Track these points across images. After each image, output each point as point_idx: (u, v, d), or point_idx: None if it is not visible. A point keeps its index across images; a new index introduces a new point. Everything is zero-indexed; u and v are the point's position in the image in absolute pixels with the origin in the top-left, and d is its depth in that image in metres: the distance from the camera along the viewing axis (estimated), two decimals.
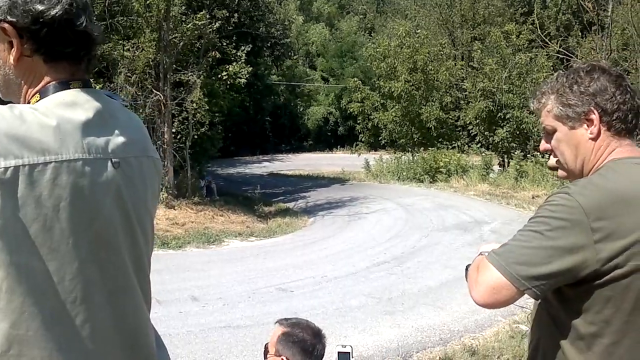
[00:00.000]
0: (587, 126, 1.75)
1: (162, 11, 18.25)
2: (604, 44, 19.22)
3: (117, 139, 1.44)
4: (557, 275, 1.57)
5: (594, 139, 1.75)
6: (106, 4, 16.95)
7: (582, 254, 1.55)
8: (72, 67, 1.44)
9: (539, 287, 1.59)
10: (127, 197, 1.43)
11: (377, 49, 29.32)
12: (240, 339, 7.17)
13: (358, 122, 31.98)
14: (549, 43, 22.13)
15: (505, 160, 26.31)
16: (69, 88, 1.41)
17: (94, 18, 1.46)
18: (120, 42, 17.83)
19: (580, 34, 25.70)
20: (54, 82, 1.40)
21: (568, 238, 1.56)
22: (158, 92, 18.48)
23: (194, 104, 19.28)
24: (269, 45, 32.83)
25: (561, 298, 1.66)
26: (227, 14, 24.23)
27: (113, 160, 1.41)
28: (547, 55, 23.65)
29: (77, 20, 1.38)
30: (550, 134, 1.83)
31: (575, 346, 1.63)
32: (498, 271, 1.61)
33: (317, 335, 2.51)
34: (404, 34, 28.79)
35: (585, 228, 1.54)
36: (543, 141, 1.88)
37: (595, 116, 1.73)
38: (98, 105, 1.43)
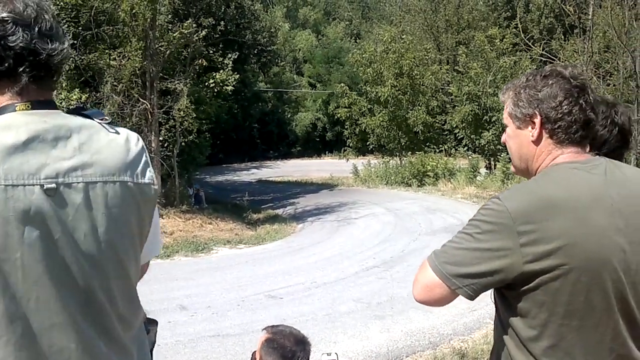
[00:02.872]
0: (531, 128, 1.78)
1: (148, 20, 18.23)
2: (585, 46, 19.38)
3: (62, 163, 1.34)
4: (485, 276, 1.62)
5: (536, 143, 1.77)
6: (92, 14, 16.92)
7: (508, 257, 1.58)
8: (15, 86, 1.37)
9: (469, 286, 1.64)
10: (63, 225, 1.32)
11: (363, 55, 29.45)
12: (229, 347, 7.17)
13: (346, 127, 32.09)
14: (532, 46, 22.26)
15: (492, 162, 26.46)
16: (15, 111, 1.35)
17: (56, 32, 1.39)
18: (107, 51, 17.78)
19: (562, 37, 25.89)
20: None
21: (495, 241, 1.60)
22: (145, 101, 18.45)
23: (181, 112, 19.27)
24: (255, 52, 32.85)
25: (504, 303, 1.70)
26: (214, 22, 24.23)
27: (45, 186, 1.30)
28: (530, 58, 23.83)
29: (12, 37, 1.31)
30: (504, 129, 1.90)
31: (520, 349, 1.66)
32: (432, 270, 1.68)
33: (300, 343, 2.53)
34: (390, 40, 28.96)
35: (512, 232, 1.58)
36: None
37: (537, 121, 1.75)
38: (41, 127, 1.34)
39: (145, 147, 1.54)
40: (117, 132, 1.48)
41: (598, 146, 2.18)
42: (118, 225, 1.41)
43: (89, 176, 1.37)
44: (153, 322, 1.80)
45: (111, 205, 1.40)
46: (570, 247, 1.56)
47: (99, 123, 1.46)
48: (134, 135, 1.52)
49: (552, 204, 1.60)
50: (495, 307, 1.78)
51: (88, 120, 1.45)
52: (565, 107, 1.71)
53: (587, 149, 1.78)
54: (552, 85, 1.74)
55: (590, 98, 1.73)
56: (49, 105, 1.41)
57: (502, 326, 1.73)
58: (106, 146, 1.43)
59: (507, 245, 1.58)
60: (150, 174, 1.50)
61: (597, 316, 1.60)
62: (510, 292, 1.65)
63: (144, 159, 1.50)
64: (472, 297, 1.67)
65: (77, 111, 1.46)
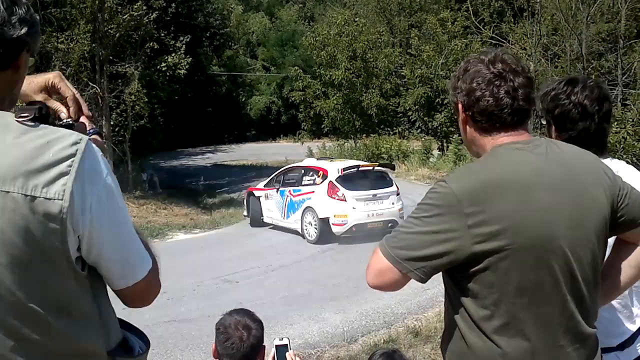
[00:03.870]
0: (460, 114, 1.81)
1: (97, 2, 17.88)
2: (534, 29, 19.76)
3: None
4: (434, 258, 1.63)
5: (467, 128, 1.81)
6: None
7: (457, 238, 1.59)
8: None
9: (420, 269, 1.65)
10: None
11: (317, 38, 29.42)
12: (185, 333, 7.18)
13: (300, 110, 32.08)
14: (483, 29, 22.63)
15: (445, 144, 26.85)
16: None
17: None
18: (54, 34, 17.36)
19: (512, 19, 26.31)
20: None
21: (443, 224, 1.61)
22: (94, 85, 18.11)
23: (132, 96, 19.00)
24: (208, 35, 32.55)
25: (455, 284, 1.71)
26: (164, 4, 23.83)
27: None
28: (481, 41, 24.18)
29: None
30: None
31: (472, 329, 1.67)
32: (383, 256, 1.70)
33: (245, 327, 2.56)
34: (343, 23, 28.99)
35: (459, 213, 1.59)
36: None
37: (460, 107, 1.79)
38: None
39: (89, 155, 1.32)
40: (39, 135, 1.29)
41: (565, 127, 2.22)
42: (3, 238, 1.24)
43: None
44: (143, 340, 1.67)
45: None
46: (517, 226, 1.58)
47: (18, 121, 1.29)
48: (66, 140, 1.30)
49: (497, 185, 1.62)
50: (445, 289, 1.80)
51: (4, 118, 1.31)
52: (478, 92, 1.71)
53: (525, 130, 1.76)
54: (470, 72, 1.75)
55: (516, 83, 1.70)
56: None
57: (452, 308, 1.74)
58: (3, 150, 1.26)
59: (455, 227, 1.59)
60: (61, 188, 1.26)
61: (546, 292, 1.63)
62: (460, 274, 1.66)
63: (60, 169, 1.27)
64: (423, 280, 1.67)
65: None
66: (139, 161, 23.25)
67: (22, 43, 1.33)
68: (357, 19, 31.26)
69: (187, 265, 10.87)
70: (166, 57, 22.51)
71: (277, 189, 14.10)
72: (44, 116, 1.35)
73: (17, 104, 1.42)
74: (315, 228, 12.55)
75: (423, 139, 27.14)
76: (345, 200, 12.26)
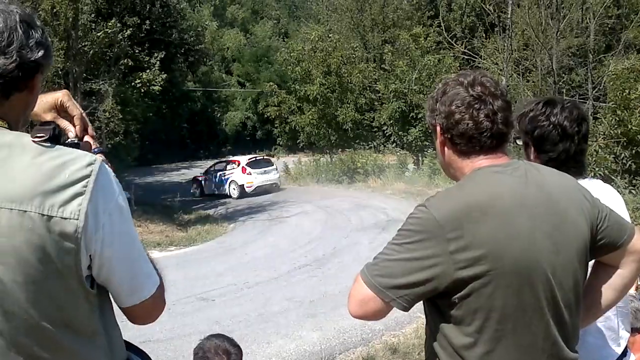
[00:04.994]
0: (438, 136, 1.79)
1: (70, 19, 17.76)
2: (505, 44, 20.09)
3: None
4: (417, 285, 1.60)
5: (445, 150, 1.78)
6: None
7: (439, 264, 1.57)
8: None
9: (403, 297, 1.62)
10: None
11: (292, 54, 29.48)
12: (160, 353, 7.09)
13: (275, 126, 32.09)
14: (455, 45, 22.95)
15: (420, 158, 27.02)
16: None
17: None
18: None
19: (484, 35, 26.74)
20: None
21: (425, 250, 1.58)
22: None
23: (107, 113, 18.88)
24: (183, 51, 32.45)
25: (436, 312, 1.68)
26: (139, 21, 23.82)
27: None
28: (453, 56, 24.51)
29: None
30: None
31: (453, 358, 1.64)
32: (365, 284, 1.67)
33: (225, 352, 2.56)
34: (317, 38, 29.10)
35: (441, 239, 1.57)
36: None
37: (438, 129, 1.77)
38: None
39: (102, 176, 1.36)
40: (56, 156, 1.33)
41: (544, 149, 2.22)
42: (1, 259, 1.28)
43: None
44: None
45: None
46: (499, 251, 1.57)
47: (35, 142, 1.33)
48: (81, 161, 1.34)
49: (478, 209, 1.59)
50: (426, 317, 1.77)
51: (20, 139, 1.34)
52: (458, 115, 1.70)
53: (504, 153, 1.74)
54: (449, 94, 1.73)
55: (496, 106, 1.69)
56: None
57: (432, 336, 1.71)
58: (21, 170, 1.30)
59: (437, 253, 1.57)
60: (76, 207, 1.30)
61: (529, 318, 1.61)
62: (442, 301, 1.63)
63: (76, 189, 1.31)
64: (406, 309, 1.65)
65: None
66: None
67: (38, 65, 1.39)
68: (331, 34, 31.46)
69: None
70: (141, 74, 22.43)
71: (212, 174, 26.17)
72: (56, 136, 1.41)
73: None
74: (235, 190, 24.52)
75: (398, 153, 27.28)
76: (251, 174, 24.24)
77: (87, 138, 1.64)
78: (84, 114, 1.66)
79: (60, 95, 1.64)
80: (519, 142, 2.37)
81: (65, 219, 1.29)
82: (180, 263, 12.87)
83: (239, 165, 24.91)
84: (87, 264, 1.36)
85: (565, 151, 2.22)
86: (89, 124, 1.67)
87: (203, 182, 26.42)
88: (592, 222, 1.73)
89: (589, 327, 2.02)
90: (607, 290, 1.87)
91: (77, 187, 1.31)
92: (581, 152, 2.27)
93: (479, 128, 1.69)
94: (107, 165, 1.41)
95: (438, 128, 1.76)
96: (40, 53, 1.37)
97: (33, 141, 1.34)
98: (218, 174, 25.77)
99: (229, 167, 25.60)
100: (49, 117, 1.62)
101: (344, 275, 10.40)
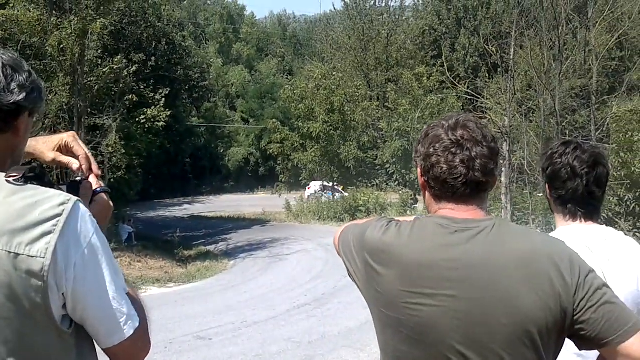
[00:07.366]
0: (419, 177, 1.74)
1: (77, 55, 17.96)
2: (508, 85, 20.18)
3: None
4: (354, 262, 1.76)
5: (424, 191, 1.72)
6: (18, 48, 16.51)
7: (359, 273, 1.72)
8: None
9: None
10: None
11: (295, 91, 29.75)
12: None
13: (278, 162, 32.17)
14: (458, 85, 23.05)
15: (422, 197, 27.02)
16: None
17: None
18: None
19: (487, 75, 26.90)
20: None
21: (357, 251, 1.75)
22: None
23: (110, 148, 18.93)
24: (187, 88, 32.78)
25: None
26: (144, 58, 24.07)
27: None
28: (456, 95, 24.66)
29: None
30: None
31: None
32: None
33: None
34: (321, 76, 29.39)
35: (363, 255, 1.70)
36: None
37: (419, 171, 1.71)
38: None
39: (75, 215, 1.36)
40: (29, 195, 1.34)
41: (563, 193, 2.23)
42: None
43: None
44: None
45: None
46: (396, 300, 1.58)
47: (8, 181, 1.35)
48: (54, 200, 1.34)
49: (387, 252, 1.61)
50: None
51: None
52: (434, 158, 1.62)
53: (479, 206, 1.63)
54: (429, 136, 1.66)
55: (474, 152, 1.58)
56: None
57: None
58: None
59: (359, 263, 1.71)
60: (44, 246, 1.30)
61: None
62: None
63: (45, 228, 1.31)
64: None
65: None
66: (116, 212, 22.99)
67: (20, 108, 1.40)
68: (335, 73, 31.77)
69: (159, 321, 10.62)
70: (145, 110, 22.58)
71: None
72: (38, 176, 1.41)
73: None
74: None
75: (401, 192, 27.29)
76: None
77: (91, 177, 1.66)
78: (89, 154, 1.69)
79: (66, 136, 1.68)
80: (540, 195, 2.38)
81: (32, 257, 1.29)
82: (178, 300, 12.76)
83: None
84: (61, 304, 1.35)
85: (573, 190, 2.22)
86: (94, 163, 1.69)
87: None
88: (560, 305, 1.49)
89: None
90: None
91: (47, 226, 1.31)
92: (591, 195, 2.24)
93: (452, 173, 1.59)
94: (82, 205, 1.40)
95: (419, 170, 1.71)
96: (22, 96, 1.39)
97: (7, 180, 1.35)
98: None
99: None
100: (52, 155, 1.66)
101: (343, 316, 10.29)
